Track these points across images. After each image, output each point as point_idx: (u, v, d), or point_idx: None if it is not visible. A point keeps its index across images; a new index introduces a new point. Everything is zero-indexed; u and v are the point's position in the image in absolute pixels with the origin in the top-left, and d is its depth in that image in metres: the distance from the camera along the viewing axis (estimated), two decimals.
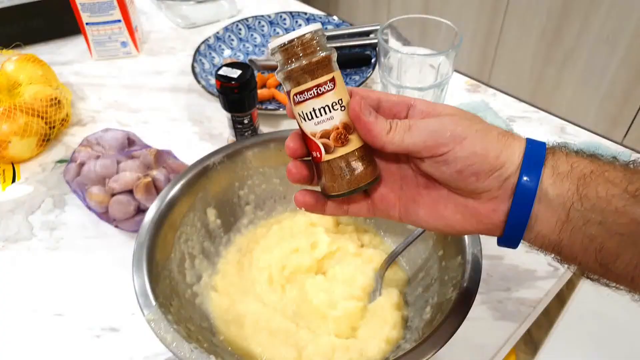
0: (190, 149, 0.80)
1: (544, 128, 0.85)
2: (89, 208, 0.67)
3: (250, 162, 0.62)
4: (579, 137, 0.84)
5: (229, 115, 0.70)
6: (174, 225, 0.56)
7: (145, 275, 0.48)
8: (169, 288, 0.52)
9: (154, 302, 0.46)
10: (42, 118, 0.78)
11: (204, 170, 0.59)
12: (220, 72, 0.66)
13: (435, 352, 0.43)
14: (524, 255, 0.66)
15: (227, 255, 0.62)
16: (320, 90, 0.37)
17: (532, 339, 0.90)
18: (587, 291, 0.75)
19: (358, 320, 0.56)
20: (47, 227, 0.70)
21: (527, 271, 0.65)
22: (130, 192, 0.64)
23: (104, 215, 0.66)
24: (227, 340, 0.54)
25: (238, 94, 0.66)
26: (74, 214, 0.71)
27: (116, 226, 0.66)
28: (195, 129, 0.85)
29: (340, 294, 0.56)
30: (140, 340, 0.57)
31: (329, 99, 0.38)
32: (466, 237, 0.52)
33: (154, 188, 0.64)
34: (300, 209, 0.42)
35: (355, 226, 0.64)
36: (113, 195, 0.64)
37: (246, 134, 0.72)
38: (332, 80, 0.38)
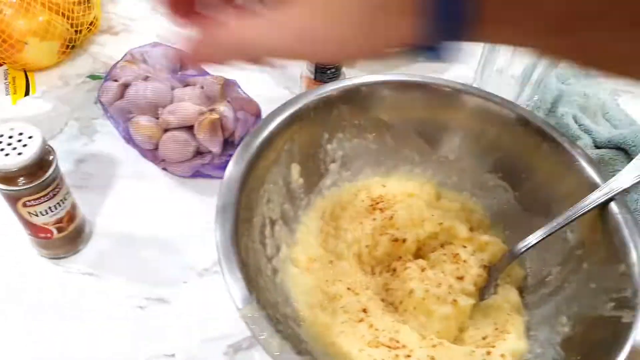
0: (248, 82, 0.65)
1: None
2: (127, 141, 0.54)
3: (359, 110, 0.50)
4: None
5: None
6: (259, 181, 0.43)
7: (233, 251, 0.36)
8: (254, 264, 0.40)
9: (248, 292, 0.34)
10: (68, 18, 0.62)
11: (296, 114, 0.46)
12: None
13: None
14: None
15: (308, 222, 0.50)
16: None
17: None
18: None
19: (467, 320, 0.46)
20: (72, 158, 0.56)
21: None
22: (188, 128, 0.50)
23: (150, 152, 0.52)
24: (312, 333, 0.42)
25: None
26: (106, 145, 0.57)
27: (163, 168, 0.53)
28: None
29: (447, 286, 0.45)
30: (196, 316, 0.46)
31: None
32: (630, 242, 0.41)
33: (220, 128, 0.50)
34: None
35: (461, 204, 0.53)
36: (167, 130, 0.50)
37: (328, 71, 0.58)
38: None
